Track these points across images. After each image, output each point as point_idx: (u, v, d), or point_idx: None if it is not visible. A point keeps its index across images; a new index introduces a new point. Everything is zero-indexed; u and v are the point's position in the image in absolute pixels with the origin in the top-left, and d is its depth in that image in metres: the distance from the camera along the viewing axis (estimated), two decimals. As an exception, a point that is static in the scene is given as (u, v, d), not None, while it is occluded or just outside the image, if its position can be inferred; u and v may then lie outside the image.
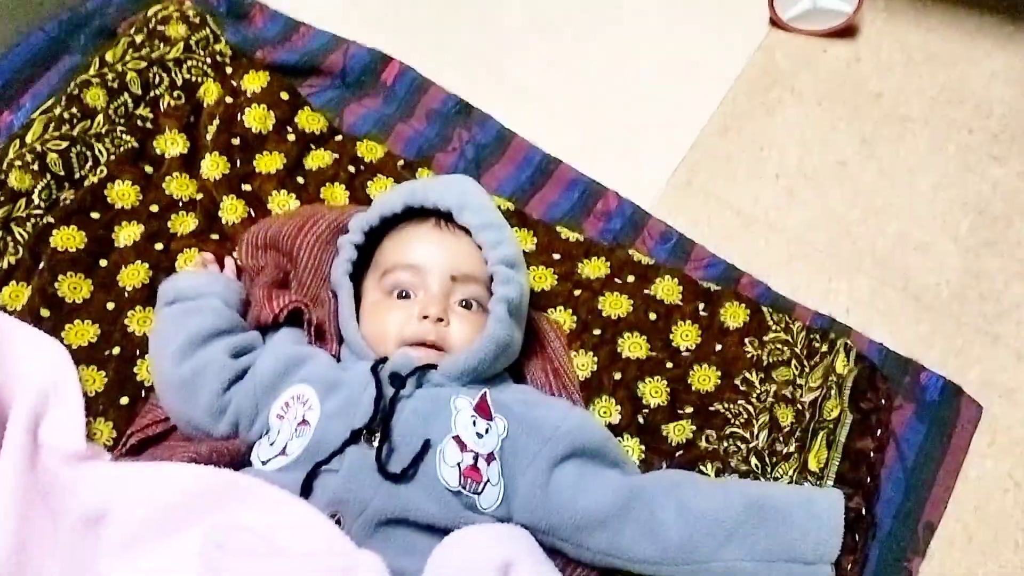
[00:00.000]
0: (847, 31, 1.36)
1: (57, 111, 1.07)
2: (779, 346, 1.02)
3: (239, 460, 0.83)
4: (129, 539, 0.74)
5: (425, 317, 0.85)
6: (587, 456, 0.83)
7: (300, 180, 1.10)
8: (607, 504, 0.81)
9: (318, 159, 1.12)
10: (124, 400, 0.94)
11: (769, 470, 0.93)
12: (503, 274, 0.88)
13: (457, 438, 0.80)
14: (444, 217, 0.92)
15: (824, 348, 1.02)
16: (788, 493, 0.86)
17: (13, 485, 0.83)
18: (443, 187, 0.93)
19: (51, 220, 1.02)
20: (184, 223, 1.05)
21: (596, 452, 0.84)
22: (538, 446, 0.82)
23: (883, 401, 0.99)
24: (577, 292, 1.04)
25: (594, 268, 1.07)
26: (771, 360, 1.01)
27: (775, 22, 1.36)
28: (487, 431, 0.81)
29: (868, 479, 0.94)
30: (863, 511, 0.91)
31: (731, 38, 1.35)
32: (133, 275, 1.00)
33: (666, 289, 1.05)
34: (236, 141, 1.10)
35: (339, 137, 1.15)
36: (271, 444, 0.81)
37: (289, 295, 0.92)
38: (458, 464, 0.78)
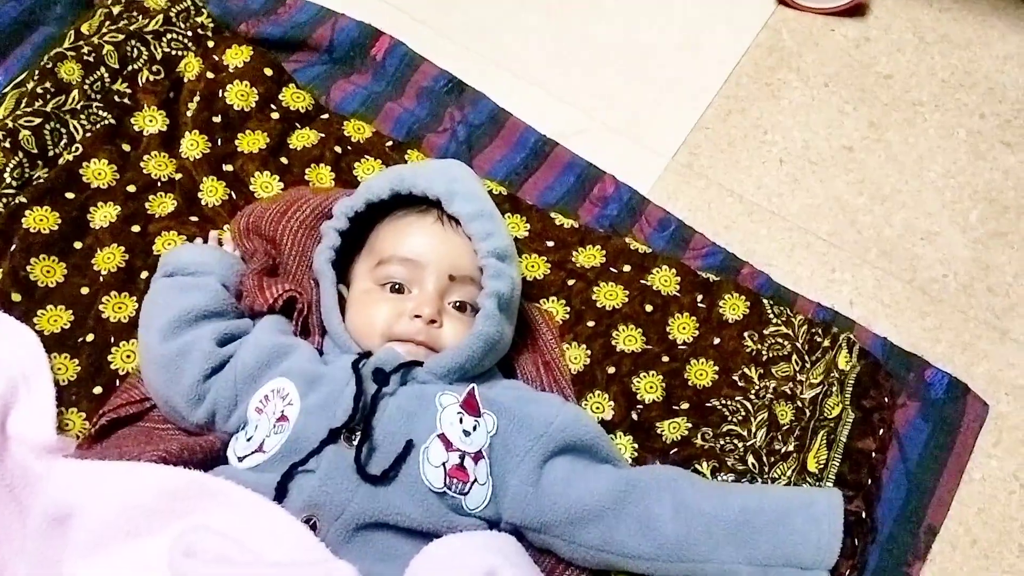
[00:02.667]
0: (856, 9, 1.30)
1: (30, 86, 1.03)
2: (779, 340, 0.98)
3: (214, 457, 0.79)
4: (96, 540, 0.71)
5: (418, 316, 0.82)
6: (579, 452, 0.81)
7: (284, 160, 1.06)
8: (601, 496, 0.78)
9: (303, 138, 1.07)
10: (97, 389, 0.90)
11: (767, 470, 0.90)
12: (494, 267, 0.85)
13: (443, 436, 0.77)
14: (432, 204, 0.87)
15: (826, 343, 0.98)
16: (787, 495, 0.83)
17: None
18: (432, 173, 0.89)
19: (23, 200, 0.97)
20: (163, 204, 1.01)
21: (588, 448, 0.81)
22: (529, 443, 0.79)
23: (886, 399, 0.95)
24: (571, 282, 1.01)
25: (589, 257, 1.03)
26: (771, 355, 0.97)
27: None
28: (475, 428, 0.78)
29: (869, 481, 0.90)
30: (863, 514, 0.88)
31: (736, 16, 1.30)
32: (109, 258, 0.96)
33: (663, 279, 1.01)
34: (217, 119, 1.06)
35: (325, 116, 1.11)
36: (248, 439, 0.78)
37: (283, 284, 0.88)
38: (443, 464, 0.75)
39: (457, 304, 0.85)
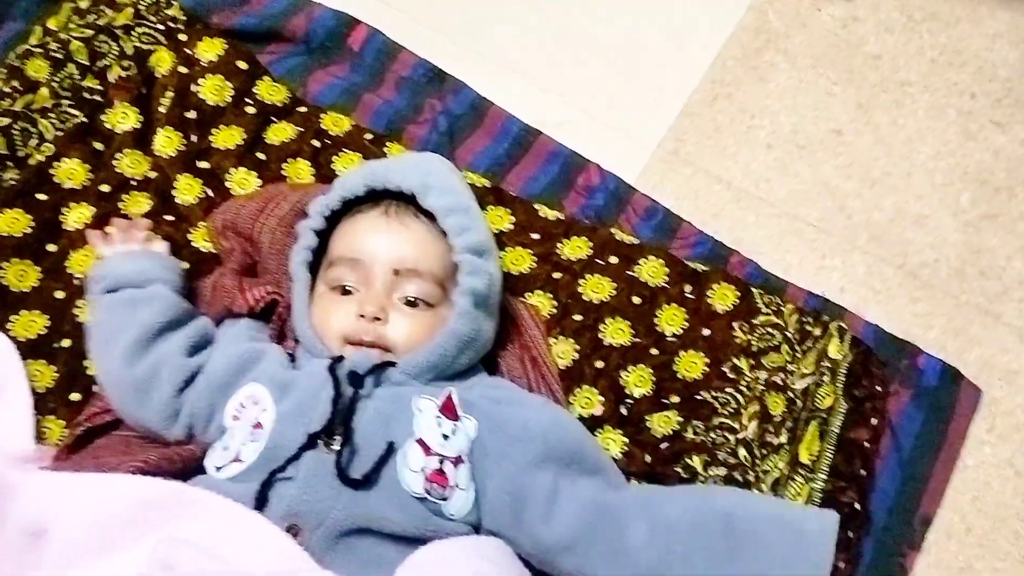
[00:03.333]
0: (843, -11, 1.28)
1: (-5, 84, 1.00)
2: (770, 330, 0.96)
3: (194, 466, 0.77)
4: (71, 555, 0.69)
5: (361, 314, 0.79)
6: (562, 463, 0.77)
7: (261, 156, 1.03)
8: (573, 528, 0.74)
9: (280, 133, 1.05)
10: (75, 396, 0.89)
11: (759, 462, 0.89)
12: (469, 263, 0.82)
13: (420, 441, 0.75)
14: (407, 200, 0.85)
15: (817, 331, 0.97)
16: (774, 516, 0.78)
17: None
18: (407, 167, 0.87)
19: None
20: (137, 203, 0.99)
21: (572, 457, 0.78)
22: (505, 446, 0.76)
23: (878, 388, 0.94)
24: (557, 275, 0.99)
25: (575, 248, 1.01)
26: (761, 345, 0.96)
27: (767, -21, 1.28)
28: (454, 432, 0.76)
29: (862, 471, 0.89)
30: (856, 505, 0.87)
31: (721, -3, 1.28)
32: (84, 261, 0.94)
33: (651, 270, 0.99)
34: (191, 114, 1.03)
35: (302, 109, 1.08)
36: (225, 448, 0.76)
37: (264, 286, 0.86)
38: (422, 469, 0.73)
39: (406, 300, 0.81)
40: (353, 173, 0.90)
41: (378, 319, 0.80)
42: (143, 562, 0.65)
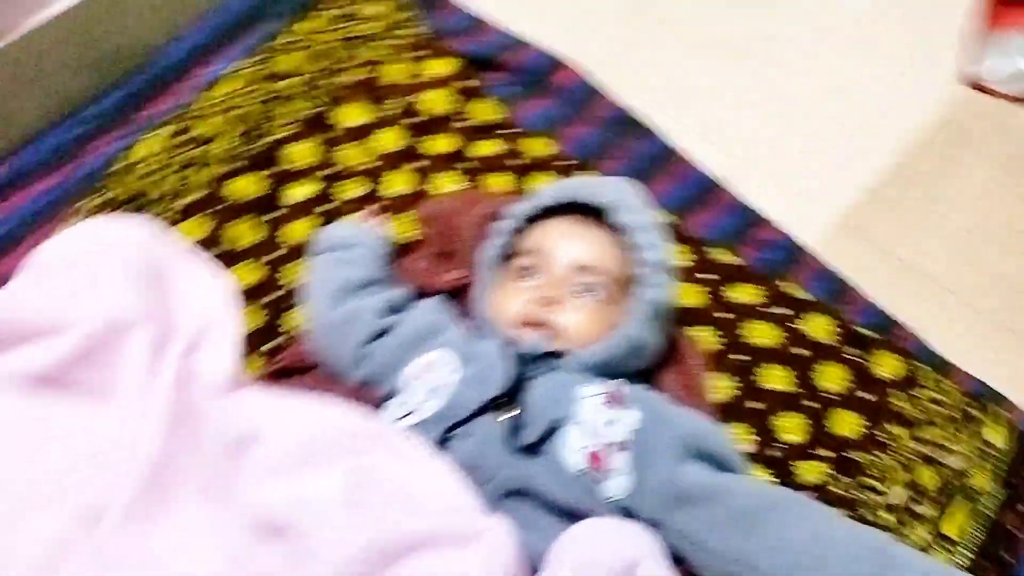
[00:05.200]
0: (1047, 98, 1.29)
1: (249, 71, 1.14)
2: (931, 405, 0.96)
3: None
4: (274, 466, 0.76)
5: (537, 298, 0.85)
6: (714, 462, 0.80)
7: (468, 165, 1.13)
8: (737, 505, 0.76)
9: (487, 147, 1.15)
10: (271, 344, 0.98)
11: (903, 529, 0.88)
12: (651, 277, 0.87)
13: (584, 423, 0.79)
14: (596, 214, 0.91)
15: (980, 416, 0.96)
16: (930, 568, 0.73)
17: (164, 405, 0.88)
18: (602, 185, 0.94)
19: (231, 169, 1.08)
20: (352, 190, 1.10)
21: (724, 460, 0.81)
22: (667, 440, 0.79)
23: (1038, 480, 0.92)
24: (723, 314, 1.02)
25: (744, 293, 1.04)
26: (920, 418, 0.96)
27: (970, 80, 1.30)
28: (616, 420, 0.80)
29: (1008, 557, 0.87)
30: (1000, 592, 0.85)
31: (919, 89, 1.31)
32: (298, 230, 1.05)
33: (818, 327, 1.02)
34: (414, 120, 1.14)
35: (510, 130, 1.18)
36: (402, 404, 0.83)
37: (459, 270, 0.95)
38: (583, 449, 0.77)
39: (580, 288, 0.86)
40: (552, 186, 0.97)
41: (553, 304, 0.85)
42: (336, 486, 0.72)
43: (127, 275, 0.93)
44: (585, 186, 0.94)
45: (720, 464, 0.81)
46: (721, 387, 0.97)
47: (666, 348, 0.94)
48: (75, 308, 0.90)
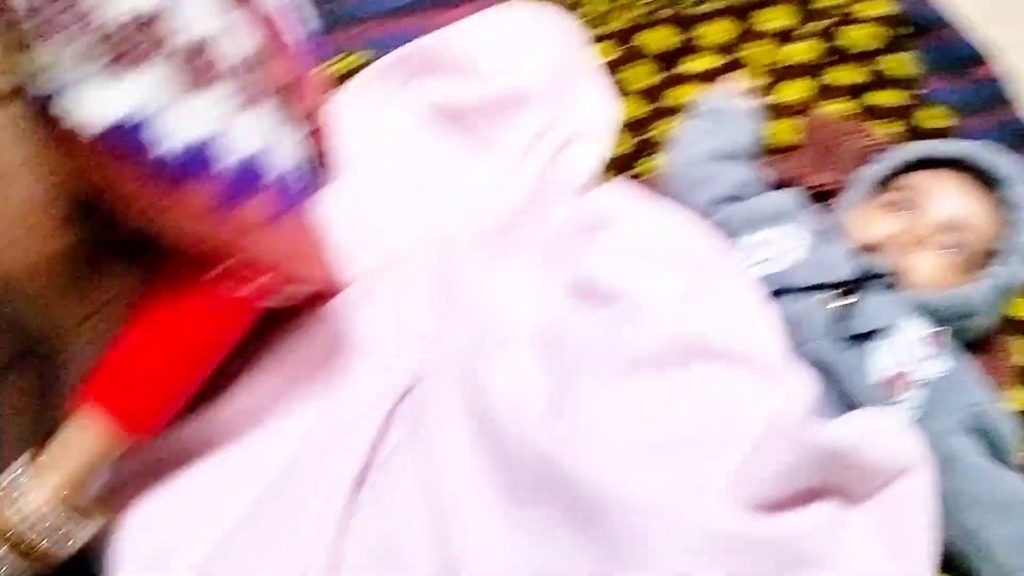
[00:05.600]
0: None
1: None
2: None
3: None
4: (620, 249, 0.86)
5: (904, 233, 0.87)
6: (987, 441, 0.80)
7: (860, 103, 1.14)
8: (997, 492, 0.77)
9: (887, 97, 1.15)
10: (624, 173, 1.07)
11: None
12: (1014, 258, 0.87)
13: (902, 346, 0.82)
14: (983, 181, 0.92)
15: None
16: None
17: (533, 174, 1.00)
18: (1001, 157, 0.93)
19: (647, 21, 1.18)
20: (749, 77, 1.14)
21: (1000, 447, 0.81)
22: (959, 405, 0.81)
23: None
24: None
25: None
26: None
27: None
28: (928, 359, 0.82)
29: None
30: None
31: None
32: (691, 91, 1.13)
33: None
34: (831, 43, 1.18)
35: (915, 90, 1.17)
36: (752, 251, 0.90)
37: (833, 175, 1.00)
38: (891, 368, 0.80)
39: (943, 244, 0.87)
40: (947, 141, 1.02)
41: (916, 246, 0.87)
42: (673, 280, 0.81)
43: (548, 58, 1.05)
44: (986, 152, 0.94)
45: (993, 446, 0.81)
46: (1017, 399, 0.94)
47: (984, 335, 0.93)
48: (499, 65, 1.03)
